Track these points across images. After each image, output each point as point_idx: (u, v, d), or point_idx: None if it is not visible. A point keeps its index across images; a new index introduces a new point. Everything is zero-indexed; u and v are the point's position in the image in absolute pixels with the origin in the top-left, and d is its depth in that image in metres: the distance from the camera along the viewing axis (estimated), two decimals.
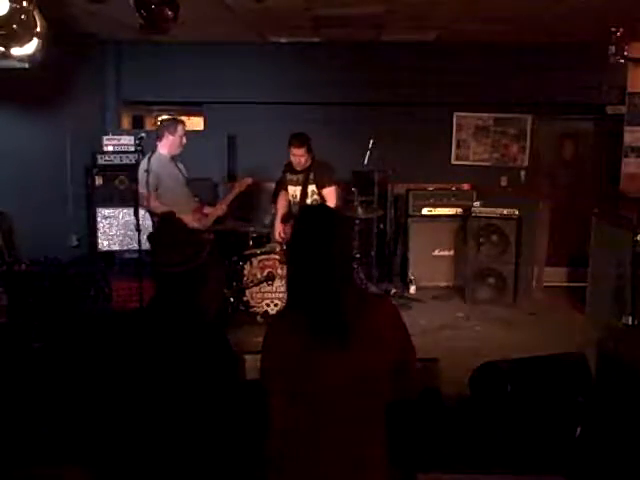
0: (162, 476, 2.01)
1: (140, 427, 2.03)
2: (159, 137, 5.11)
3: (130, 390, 2.04)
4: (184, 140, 5.12)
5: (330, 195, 5.47)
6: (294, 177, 5.64)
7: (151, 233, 2.22)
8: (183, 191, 5.12)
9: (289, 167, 5.69)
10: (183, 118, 8.26)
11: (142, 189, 4.83)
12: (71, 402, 3.41)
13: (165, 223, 2.28)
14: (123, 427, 2.05)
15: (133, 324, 2.17)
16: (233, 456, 2.13)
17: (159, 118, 8.57)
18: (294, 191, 5.64)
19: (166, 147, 5.05)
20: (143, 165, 4.88)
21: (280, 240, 5.69)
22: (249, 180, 5.38)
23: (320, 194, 5.52)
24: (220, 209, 5.27)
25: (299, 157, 5.43)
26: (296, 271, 1.94)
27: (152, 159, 4.92)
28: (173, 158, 5.13)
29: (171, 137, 5.03)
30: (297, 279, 1.93)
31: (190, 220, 4.89)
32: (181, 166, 5.23)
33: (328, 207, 2.21)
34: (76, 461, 3.00)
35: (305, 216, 2.07)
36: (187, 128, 8.43)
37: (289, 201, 5.75)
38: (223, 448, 2.08)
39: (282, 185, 5.83)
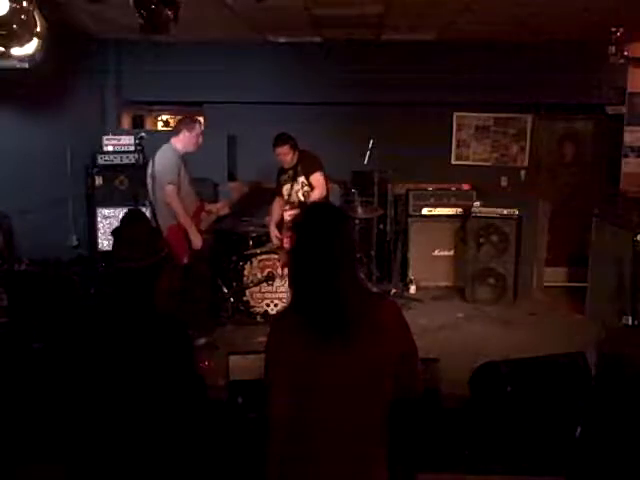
0: (127, 471, 2.03)
1: (99, 421, 2.04)
2: (176, 132, 5.12)
3: (88, 384, 2.06)
4: (200, 140, 5.13)
5: (317, 181, 5.55)
6: (285, 176, 5.72)
7: (116, 228, 2.23)
8: (190, 191, 5.11)
9: (281, 169, 5.78)
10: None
11: (173, 186, 4.84)
12: (61, 402, 3.41)
13: (131, 218, 2.29)
14: (84, 422, 2.07)
15: (91, 319, 2.19)
16: (193, 450, 2.15)
17: (160, 118, 8.60)
18: (287, 189, 5.69)
19: (181, 143, 5.05)
20: (152, 158, 4.91)
21: (278, 243, 5.71)
22: (245, 189, 5.56)
23: (309, 183, 5.60)
24: (223, 209, 5.37)
25: (284, 156, 5.54)
26: (300, 269, 1.94)
27: (164, 150, 4.93)
28: (182, 156, 5.13)
29: (188, 134, 5.05)
30: (301, 277, 1.93)
31: (195, 233, 4.91)
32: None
33: (332, 205, 2.21)
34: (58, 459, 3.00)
35: (309, 214, 2.07)
36: None
37: (282, 206, 5.78)
38: (182, 440, 2.10)
39: (277, 189, 5.87)
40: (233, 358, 3.62)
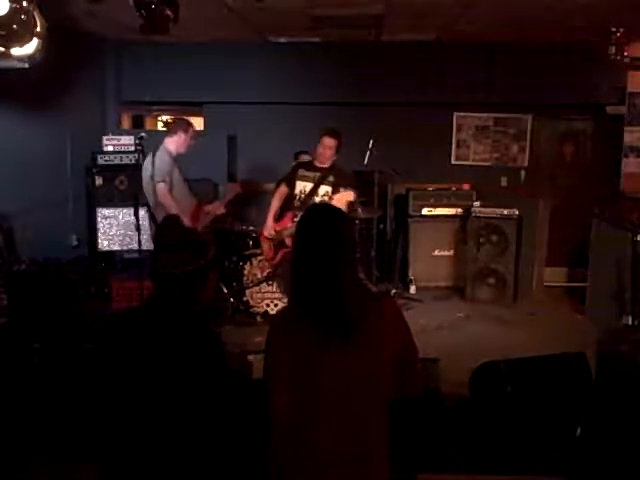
0: (159, 472, 2.02)
1: (136, 424, 2.03)
2: (170, 134, 5.12)
3: (125, 388, 2.05)
4: (192, 143, 5.16)
5: (345, 197, 5.02)
6: (310, 174, 5.25)
7: (156, 235, 2.23)
8: (186, 191, 5.14)
9: (305, 164, 5.45)
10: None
11: (165, 185, 4.85)
12: (71, 401, 3.41)
13: (167, 225, 2.28)
14: (120, 424, 2.06)
15: (129, 323, 2.17)
16: (229, 453, 2.14)
17: (160, 118, 8.60)
18: (304, 187, 5.26)
19: (174, 144, 5.07)
20: (149, 159, 4.92)
21: (267, 236, 5.43)
22: (238, 189, 5.57)
23: (331, 198, 5.09)
24: (219, 210, 5.35)
25: (328, 149, 5.12)
26: (300, 268, 1.94)
27: (160, 152, 4.95)
28: (175, 157, 5.14)
29: (183, 135, 5.08)
30: (301, 276, 1.93)
31: (188, 222, 4.92)
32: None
33: (333, 206, 2.20)
34: (75, 458, 3.01)
35: (311, 214, 2.07)
36: None
37: (286, 196, 5.50)
38: (219, 445, 2.09)
39: (290, 179, 5.43)
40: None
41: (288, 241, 5.23)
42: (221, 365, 2.13)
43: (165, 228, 2.27)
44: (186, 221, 4.91)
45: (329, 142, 5.14)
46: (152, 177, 4.86)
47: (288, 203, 5.46)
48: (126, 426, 2.04)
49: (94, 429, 2.26)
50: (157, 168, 4.85)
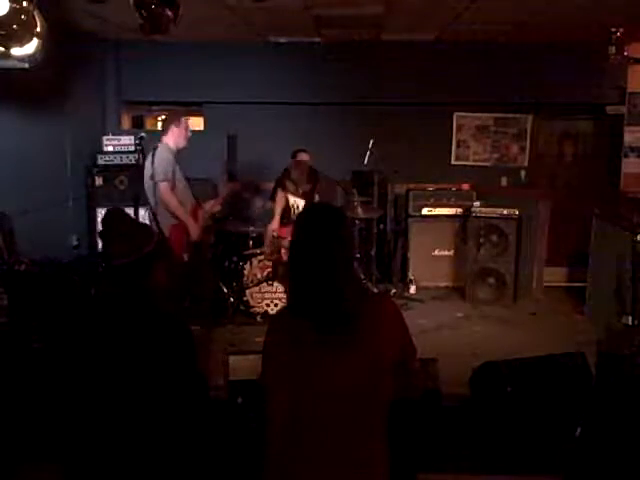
0: (126, 471, 2.02)
1: (99, 420, 2.04)
2: (164, 131, 5.11)
3: (88, 382, 2.06)
4: (189, 133, 5.13)
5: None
6: (296, 188, 5.56)
7: (101, 229, 2.24)
8: (185, 188, 5.12)
9: (289, 177, 5.64)
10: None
11: (166, 183, 4.85)
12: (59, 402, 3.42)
13: (113, 216, 2.28)
14: (84, 421, 2.06)
15: (91, 318, 2.18)
16: (194, 449, 2.14)
17: (160, 118, 8.59)
18: (294, 201, 5.60)
19: (172, 139, 5.05)
20: (149, 159, 4.91)
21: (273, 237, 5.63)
22: (236, 185, 5.50)
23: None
24: (215, 207, 5.34)
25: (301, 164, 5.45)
26: (298, 269, 1.93)
27: (159, 151, 4.93)
28: (176, 154, 5.11)
29: (176, 129, 5.04)
30: (299, 277, 1.93)
31: (192, 223, 4.92)
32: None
33: (332, 206, 2.19)
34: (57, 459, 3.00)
35: (309, 215, 2.06)
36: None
37: (287, 202, 5.69)
38: (182, 439, 2.10)
39: (282, 185, 5.77)
40: (233, 358, 3.62)
41: (284, 253, 5.30)
42: (187, 353, 2.14)
43: (111, 220, 2.27)
44: (188, 220, 4.93)
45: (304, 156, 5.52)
46: (152, 177, 4.85)
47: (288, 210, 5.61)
48: (88, 423, 2.05)
49: (58, 429, 2.26)
50: (157, 167, 4.83)
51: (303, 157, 6.11)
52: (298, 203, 5.57)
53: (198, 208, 5.19)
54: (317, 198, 5.45)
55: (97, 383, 2.05)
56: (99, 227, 6.94)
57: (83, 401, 2.06)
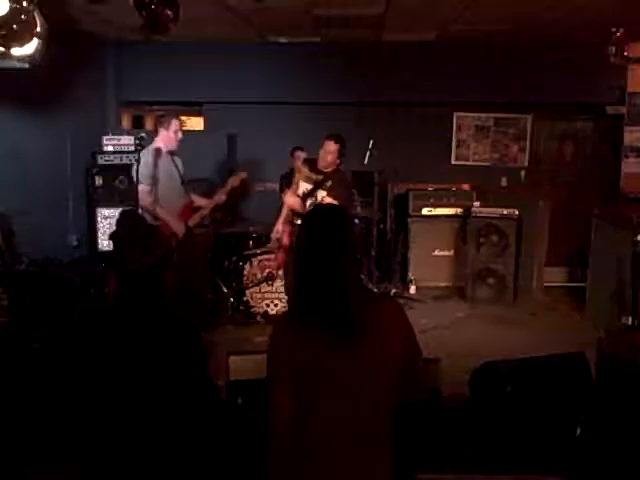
0: (135, 472, 2.02)
1: (109, 424, 2.04)
2: (155, 133, 5.11)
3: (99, 386, 2.06)
4: (179, 135, 5.06)
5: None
6: (312, 175, 5.28)
7: (114, 231, 2.22)
8: (175, 188, 5.07)
9: (310, 163, 5.24)
10: (183, 118, 8.30)
11: (144, 186, 4.83)
12: (64, 402, 3.41)
13: (125, 220, 2.27)
14: (94, 424, 2.06)
15: (100, 322, 2.17)
16: (203, 452, 2.14)
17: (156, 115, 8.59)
18: (305, 188, 5.18)
19: (162, 141, 5.04)
20: (146, 161, 4.91)
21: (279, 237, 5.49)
22: (244, 174, 5.29)
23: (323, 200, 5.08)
24: (213, 202, 5.21)
25: (329, 154, 5.02)
26: (303, 270, 1.93)
27: (143, 153, 4.90)
28: (170, 153, 5.10)
29: (165, 132, 5.01)
30: (304, 278, 1.92)
31: (176, 222, 4.88)
32: (178, 162, 5.17)
33: (337, 207, 2.20)
34: (73, 460, 3.00)
35: (314, 216, 2.06)
36: (187, 128, 8.43)
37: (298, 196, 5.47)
38: (191, 441, 2.10)
39: (288, 184, 5.52)
40: (233, 358, 3.62)
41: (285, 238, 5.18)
42: (198, 359, 2.13)
43: (126, 222, 2.26)
44: (169, 218, 4.88)
45: (331, 147, 5.02)
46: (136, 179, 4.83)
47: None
48: (103, 425, 2.04)
49: (74, 430, 2.26)
50: (139, 170, 4.81)
51: (300, 156, 6.08)
52: (307, 189, 5.28)
53: (187, 208, 5.12)
54: (328, 184, 5.17)
55: (108, 386, 2.04)
56: (99, 227, 6.93)
57: (95, 404, 2.05)
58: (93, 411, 2.06)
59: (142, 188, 4.81)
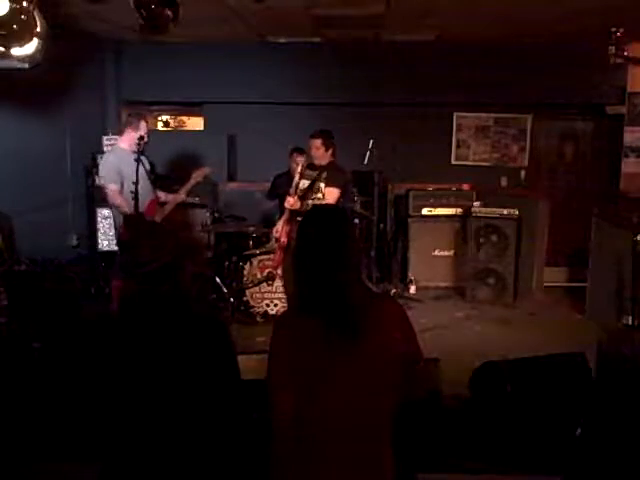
0: (160, 471, 2.01)
1: (138, 421, 2.03)
2: (120, 132, 5.08)
3: (127, 386, 2.05)
4: (146, 138, 4.94)
5: (330, 195, 5.35)
6: (312, 172, 5.42)
7: (129, 236, 2.21)
8: (143, 186, 5.01)
9: (310, 164, 5.51)
10: (183, 118, 8.31)
11: (113, 186, 4.83)
12: (71, 401, 3.41)
13: (133, 223, 2.27)
14: (122, 423, 2.05)
15: (135, 323, 2.16)
16: (232, 452, 2.13)
17: (160, 118, 8.59)
18: (304, 184, 5.33)
19: (126, 142, 5.00)
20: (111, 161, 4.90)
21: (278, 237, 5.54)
22: (207, 169, 5.33)
23: (323, 194, 5.20)
24: (179, 198, 5.20)
25: (314, 149, 5.22)
26: (305, 269, 1.93)
27: (106, 154, 4.89)
28: (137, 152, 5.03)
29: (132, 133, 4.96)
30: (306, 277, 1.92)
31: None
32: (144, 159, 5.05)
33: (337, 207, 2.20)
34: (77, 458, 3.00)
35: (314, 216, 2.06)
36: (187, 128, 8.44)
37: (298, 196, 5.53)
38: (222, 442, 2.09)
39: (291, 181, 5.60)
40: None
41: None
42: (229, 355, 2.12)
43: (133, 226, 2.25)
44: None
45: (314, 143, 5.21)
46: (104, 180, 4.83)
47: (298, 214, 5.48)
48: (134, 425, 2.03)
49: (97, 428, 2.25)
50: (101, 171, 4.79)
51: (300, 160, 6.06)
52: (305, 185, 5.36)
53: (153, 203, 5.09)
54: (325, 174, 5.26)
55: (139, 385, 2.03)
56: (99, 227, 6.91)
57: (124, 403, 2.04)
58: (125, 410, 2.05)
59: (111, 187, 4.81)
